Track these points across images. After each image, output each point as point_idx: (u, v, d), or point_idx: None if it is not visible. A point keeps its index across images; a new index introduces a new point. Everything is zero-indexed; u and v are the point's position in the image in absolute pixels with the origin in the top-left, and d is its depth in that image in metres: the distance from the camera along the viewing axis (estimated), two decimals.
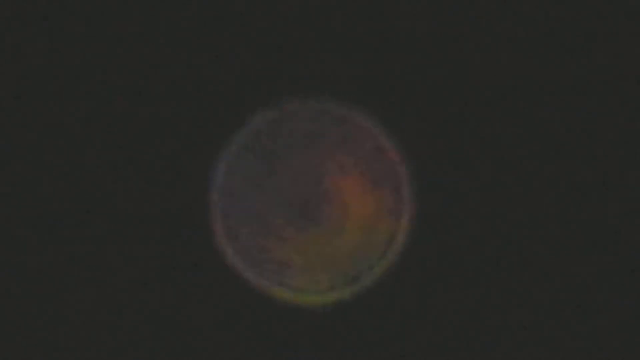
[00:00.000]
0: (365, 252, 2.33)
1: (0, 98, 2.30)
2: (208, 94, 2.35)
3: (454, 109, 2.36)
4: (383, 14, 2.35)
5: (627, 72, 2.34)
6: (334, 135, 2.34)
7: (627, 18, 2.32)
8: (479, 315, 2.33)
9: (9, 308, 2.31)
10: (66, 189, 2.32)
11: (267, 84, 2.35)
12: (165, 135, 2.34)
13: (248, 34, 2.35)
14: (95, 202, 2.32)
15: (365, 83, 2.35)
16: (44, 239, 2.30)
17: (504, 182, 2.35)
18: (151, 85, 2.34)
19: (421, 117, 2.35)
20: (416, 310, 2.33)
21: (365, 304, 2.33)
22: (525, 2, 2.33)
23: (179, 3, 2.33)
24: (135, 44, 2.34)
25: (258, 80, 2.35)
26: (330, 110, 2.34)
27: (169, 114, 2.34)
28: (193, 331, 2.32)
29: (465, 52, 2.36)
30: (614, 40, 2.34)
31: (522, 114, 2.35)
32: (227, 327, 2.32)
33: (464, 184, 2.35)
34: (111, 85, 2.34)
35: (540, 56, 2.35)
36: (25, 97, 2.33)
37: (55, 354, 2.30)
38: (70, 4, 2.23)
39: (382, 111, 2.35)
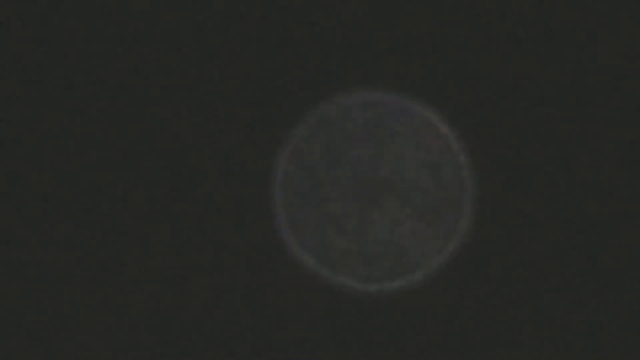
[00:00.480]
0: (425, 243, 2.33)
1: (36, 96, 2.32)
2: (266, 88, 2.36)
3: (519, 99, 2.35)
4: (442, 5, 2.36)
5: None
6: (393, 126, 2.34)
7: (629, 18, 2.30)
8: (537, 316, 2.32)
9: (41, 308, 2.34)
10: (124, 183, 2.35)
11: (324, 77, 2.36)
12: (227, 130, 2.36)
13: (303, 27, 2.36)
14: (159, 197, 2.34)
15: (424, 73, 2.36)
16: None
17: (574, 179, 2.34)
18: (212, 79, 2.36)
19: (485, 107, 2.35)
20: (473, 305, 2.32)
21: (424, 295, 2.33)
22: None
23: None
24: (185, 32, 2.36)
25: (315, 73, 2.36)
26: (388, 102, 2.35)
27: (229, 109, 2.36)
28: (257, 323, 2.33)
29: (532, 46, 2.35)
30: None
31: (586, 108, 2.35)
32: (290, 317, 2.33)
33: (529, 178, 2.34)
34: (176, 79, 2.36)
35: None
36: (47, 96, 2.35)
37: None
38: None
39: (442, 102, 2.35)
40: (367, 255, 2.34)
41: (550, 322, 2.33)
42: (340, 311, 2.33)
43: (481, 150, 2.35)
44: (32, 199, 2.34)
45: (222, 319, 2.34)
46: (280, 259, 2.34)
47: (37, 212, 2.34)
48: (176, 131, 2.36)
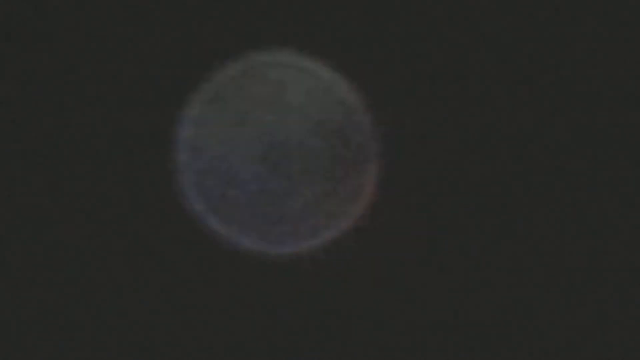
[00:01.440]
0: (330, 206, 2.33)
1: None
2: (170, 48, 2.34)
3: (427, 63, 2.35)
4: None
5: None
6: (299, 88, 2.33)
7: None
8: (443, 277, 2.34)
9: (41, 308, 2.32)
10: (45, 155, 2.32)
11: (231, 37, 2.34)
12: (131, 90, 2.33)
13: None
14: (63, 169, 2.32)
15: (330, 35, 2.34)
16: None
17: (480, 141, 2.35)
18: (114, 40, 2.33)
19: (391, 70, 2.34)
20: (379, 268, 2.33)
21: (328, 259, 2.34)
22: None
23: None
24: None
25: (222, 32, 2.34)
26: (296, 63, 2.33)
27: (135, 67, 2.33)
28: (166, 289, 2.33)
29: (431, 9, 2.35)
30: None
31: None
32: (197, 281, 2.33)
33: (433, 138, 2.34)
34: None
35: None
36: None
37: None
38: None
39: (348, 63, 2.34)
40: (272, 218, 2.33)
41: (453, 283, 2.35)
42: (246, 275, 2.33)
43: (386, 111, 2.34)
44: None
45: (132, 287, 2.33)
46: (185, 223, 2.33)
47: None
48: (86, 100, 2.32)
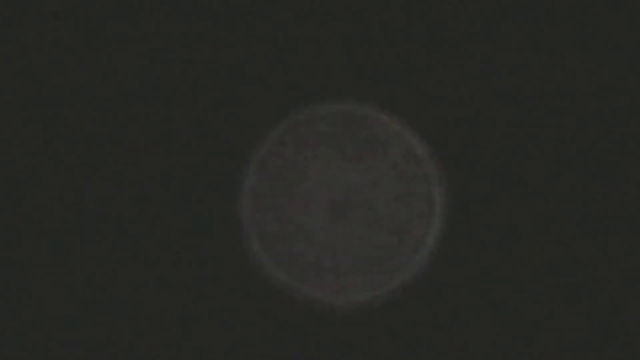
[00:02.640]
0: (394, 256, 2.32)
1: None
2: (236, 97, 2.35)
3: (488, 110, 2.34)
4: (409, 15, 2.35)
5: None
6: (363, 138, 2.34)
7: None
8: (510, 327, 2.31)
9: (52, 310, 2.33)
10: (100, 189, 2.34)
11: (296, 88, 2.35)
12: (196, 139, 2.35)
13: (279, 34, 2.35)
14: (122, 205, 2.33)
15: (393, 85, 2.35)
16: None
17: (540, 189, 2.33)
18: (184, 88, 2.35)
19: (458, 122, 2.34)
20: (443, 318, 2.32)
21: (392, 309, 2.32)
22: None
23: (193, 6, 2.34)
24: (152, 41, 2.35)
25: (286, 83, 2.35)
26: (359, 113, 2.34)
27: (199, 116, 2.35)
28: (225, 337, 2.32)
29: (497, 53, 2.35)
30: None
31: (562, 122, 2.34)
32: (259, 331, 2.32)
33: (498, 189, 2.33)
34: (141, 87, 2.35)
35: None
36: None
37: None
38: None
39: (415, 114, 2.34)
40: (336, 268, 2.33)
41: (523, 338, 2.32)
42: (309, 325, 2.32)
43: (452, 164, 2.34)
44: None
45: (189, 333, 2.33)
46: (248, 272, 2.33)
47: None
48: (142, 143, 2.34)
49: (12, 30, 2.24)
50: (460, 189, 2.33)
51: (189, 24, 2.35)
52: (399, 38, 2.35)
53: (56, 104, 2.34)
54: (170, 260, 2.33)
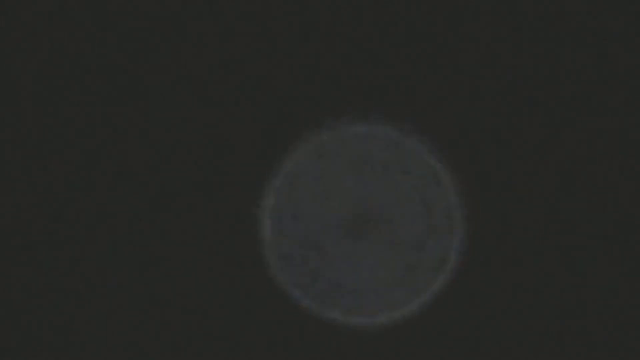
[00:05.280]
0: (414, 276, 2.32)
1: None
2: (255, 121, 2.35)
3: (509, 127, 2.34)
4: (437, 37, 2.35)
5: None
6: (382, 159, 2.34)
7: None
8: (535, 343, 2.31)
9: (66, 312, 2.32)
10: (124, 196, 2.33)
11: (315, 107, 2.35)
12: (215, 162, 2.35)
13: (294, 55, 2.36)
14: (146, 219, 2.33)
15: (417, 105, 2.35)
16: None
17: (562, 207, 2.33)
18: (203, 105, 2.35)
19: (475, 140, 2.34)
20: (468, 334, 2.31)
21: (416, 326, 2.32)
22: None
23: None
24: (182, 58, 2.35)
25: (304, 105, 2.35)
26: (378, 134, 2.34)
27: (217, 140, 2.35)
28: (240, 352, 2.32)
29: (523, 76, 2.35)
30: None
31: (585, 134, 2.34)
32: (278, 351, 2.32)
33: (518, 208, 2.33)
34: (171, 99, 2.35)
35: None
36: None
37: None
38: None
39: (434, 133, 2.34)
40: (355, 288, 2.32)
41: (548, 353, 2.32)
42: (328, 345, 2.32)
43: (472, 184, 2.34)
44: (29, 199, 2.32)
45: (209, 352, 2.32)
46: (268, 292, 2.33)
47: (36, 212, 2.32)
48: (164, 163, 2.34)
49: (13, 30, 2.24)
50: (480, 205, 2.33)
51: (222, 41, 2.35)
52: (424, 61, 2.35)
53: (81, 113, 2.34)
54: (190, 279, 2.32)
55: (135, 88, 2.33)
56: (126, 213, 2.32)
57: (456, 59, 2.35)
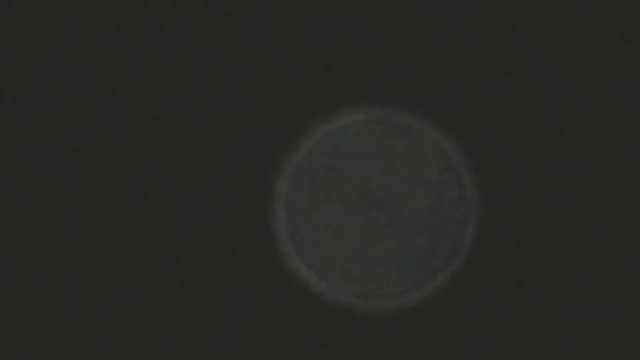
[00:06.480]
0: (429, 259, 2.33)
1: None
2: (271, 102, 2.35)
3: (524, 115, 2.34)
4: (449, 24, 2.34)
5: None
6: (397, 144, 2.33)
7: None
8: (549, 329, 2.32)
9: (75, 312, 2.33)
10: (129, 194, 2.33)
11: (331, 93, 2.35)
12: (229, 143, 2.34)
13: (311, 42, 2.35)
14: (158, 214, 2.33)
15: (428, 91, 2.34)
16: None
17: (578, 191, 2.33)
18: (216, 89, 2.35)
19: (489, 126, 2.34)
20: (481, 319, 2.32)
21: (428, 312, 2.33)
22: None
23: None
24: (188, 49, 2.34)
25: (318, 89, 2.35)
26: (392, 120, 2.34)
27: (232, 120, 2.34)
28: (255, 339, 2.33)
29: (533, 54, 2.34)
30: None
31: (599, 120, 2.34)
32: (290, 334, 2.33)
33: (533, 193, 2.33)
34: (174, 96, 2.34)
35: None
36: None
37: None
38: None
39: (450, 120, 2.34)
40: (369, 272, 2.33)
41: (557, 344, 2.33)
42: (340, 328, 2.33)
43: (486, 168, 2.34)
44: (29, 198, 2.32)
45: (219, 334, 2.33)
46: (280, 274, 2.33)
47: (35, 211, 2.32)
48: (177, 140, 2.34)
49: (12, 30, 2.22)
50: (495, 195, 2.34)
51: (227, 38, 2.34)
52: (439, 49, 2.34)
53: (90, 117, 2.34)
54: (202, 264, 2.33)
55: (140, 84, 2.33)
56: (144, 202, 2.33)
57: (471, 45, 2.34)
